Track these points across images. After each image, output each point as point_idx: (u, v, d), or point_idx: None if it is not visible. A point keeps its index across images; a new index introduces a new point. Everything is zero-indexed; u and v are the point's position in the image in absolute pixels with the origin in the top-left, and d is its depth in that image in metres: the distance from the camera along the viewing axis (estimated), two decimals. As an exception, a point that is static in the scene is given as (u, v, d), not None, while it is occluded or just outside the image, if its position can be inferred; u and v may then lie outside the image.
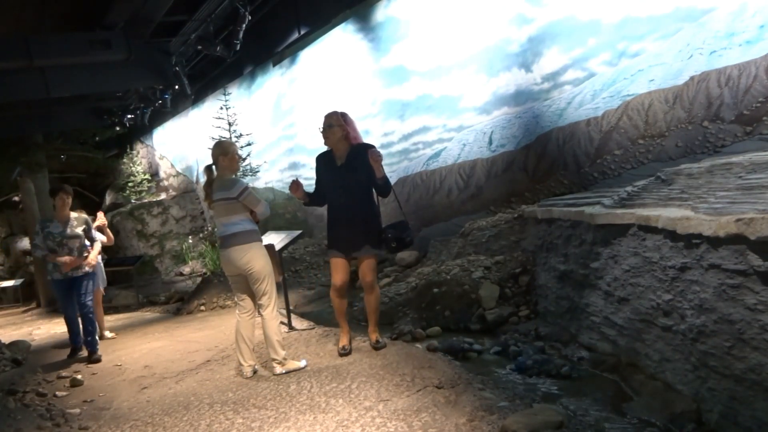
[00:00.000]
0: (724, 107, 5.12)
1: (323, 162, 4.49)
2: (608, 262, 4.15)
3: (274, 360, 4.22)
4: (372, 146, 4.30)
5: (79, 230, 5.73)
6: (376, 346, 4.42)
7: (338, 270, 4.39)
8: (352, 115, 4.50)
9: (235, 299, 4.37)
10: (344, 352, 4.40)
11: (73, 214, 5.78)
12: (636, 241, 3.80)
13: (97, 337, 5.81)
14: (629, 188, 4.59)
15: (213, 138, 11.45)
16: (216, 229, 4.57)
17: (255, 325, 4.35)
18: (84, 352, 5.76)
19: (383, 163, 4.21)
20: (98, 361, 5.57)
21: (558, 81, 6.50)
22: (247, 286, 4.23)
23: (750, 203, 3.02)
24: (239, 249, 4.11)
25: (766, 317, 2.69)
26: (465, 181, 7.76)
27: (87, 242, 5.81)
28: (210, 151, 4.31)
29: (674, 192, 3.94)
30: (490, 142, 7.37)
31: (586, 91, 6.24)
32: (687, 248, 3.24)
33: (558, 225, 5.11)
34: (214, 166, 4.24)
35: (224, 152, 4.22)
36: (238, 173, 9.86)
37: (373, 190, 4.37)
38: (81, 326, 5.77)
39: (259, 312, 4.26)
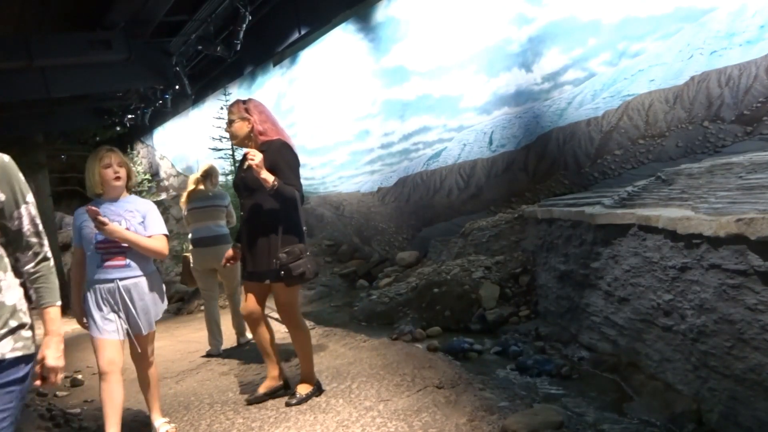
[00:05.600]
0: (724, 107, 5.12)
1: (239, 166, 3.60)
2: (608, 262, 4.15)
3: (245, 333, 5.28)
4: (281, 142, 3.39)
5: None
6: (289, 401, 3.50)
7: (247, 295, 3.60)
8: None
9: (204, 291, 5.29)
10: (251, 399, 3.61)
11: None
12: (636, 241, 3.80)
13: None
14: (629, 188, 4.60)
15: (214, 138, 11.47)
16: (199, 230, 5.20)
17: None
18: None
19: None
20: None
21: (558, 81, 6.49)
22: (213, 278, 5.28)
23: (750, 203, 3.02)
24: (227, 247, 4.88)
25: (767, 317, 2.69)
26: (465, 181, 7.76)
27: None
28: (209, 169, 5.28)
29: (674, 192, 3.94)
30: (491, 142, 7.37)
31: (586, 91, 6.24)
32: (687, 248, 3.24)
33: (558, 225, 5.11)
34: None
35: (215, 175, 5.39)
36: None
37: (295, 201, 3.35)
38: None
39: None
